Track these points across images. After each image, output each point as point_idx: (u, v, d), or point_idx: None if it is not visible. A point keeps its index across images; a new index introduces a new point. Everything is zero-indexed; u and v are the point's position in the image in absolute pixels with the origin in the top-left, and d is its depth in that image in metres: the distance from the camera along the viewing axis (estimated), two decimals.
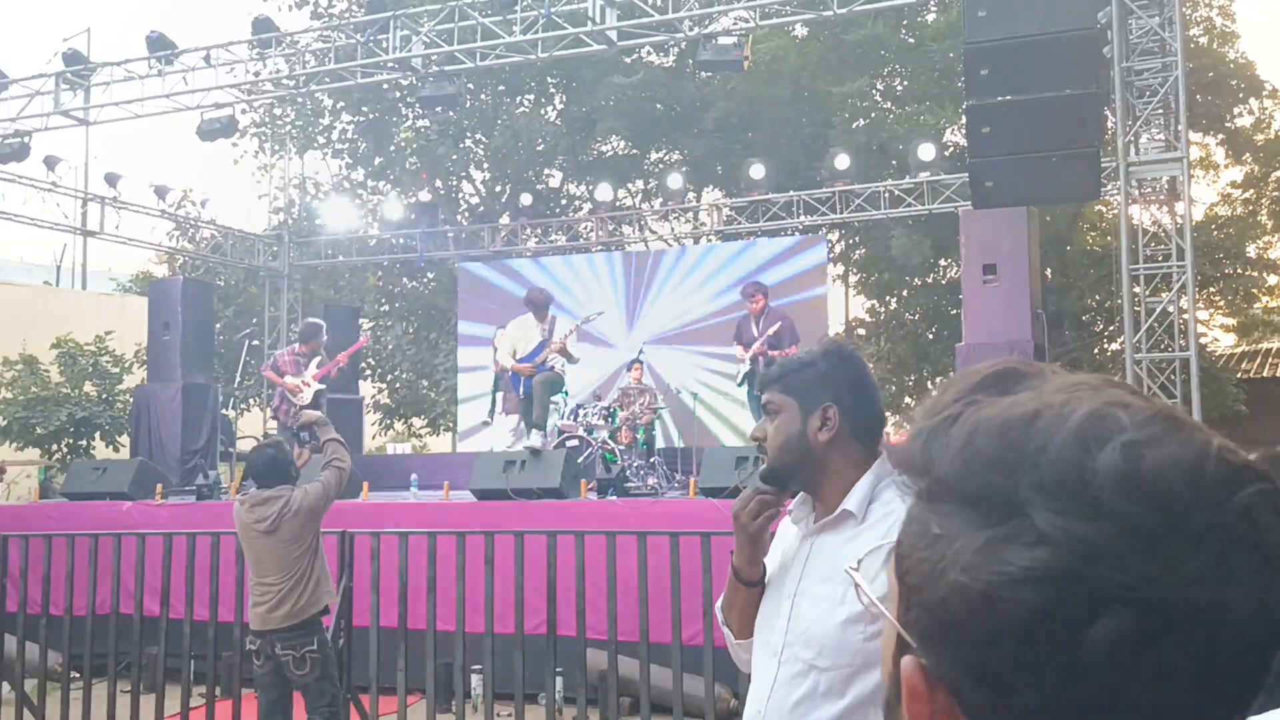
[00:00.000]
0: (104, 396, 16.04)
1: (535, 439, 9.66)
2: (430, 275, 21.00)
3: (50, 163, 14.66)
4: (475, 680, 7.11)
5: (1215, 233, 18.98)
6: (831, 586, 1.98)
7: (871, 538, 1.91)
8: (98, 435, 15.75)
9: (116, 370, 16.51)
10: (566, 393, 11.32)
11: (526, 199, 17.41)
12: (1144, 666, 0.57)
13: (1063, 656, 0.58)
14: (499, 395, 11.17)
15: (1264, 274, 20.23)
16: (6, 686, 7.57)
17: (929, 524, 0.63)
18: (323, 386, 11.01)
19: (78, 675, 7.39)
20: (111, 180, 15.46)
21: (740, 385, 10.86)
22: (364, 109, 19.58)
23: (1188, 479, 0.59)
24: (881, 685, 2.01)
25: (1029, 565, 0.58)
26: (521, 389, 10.30)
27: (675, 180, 16.32)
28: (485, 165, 20.67)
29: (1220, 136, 19.57)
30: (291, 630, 5.41)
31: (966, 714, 0.61)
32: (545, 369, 10.23)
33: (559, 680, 6.79)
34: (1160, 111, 10.90)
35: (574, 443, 10.51)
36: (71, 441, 15.50)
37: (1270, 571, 0.59)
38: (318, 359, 11.07)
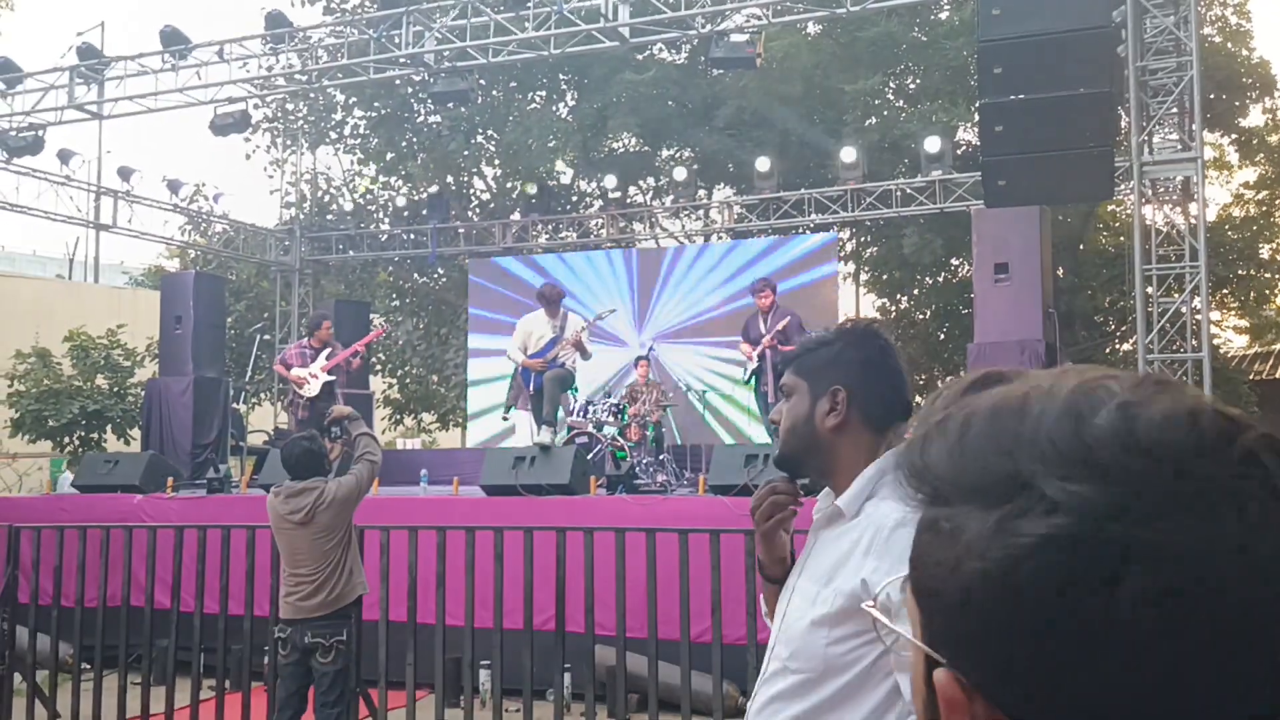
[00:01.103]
0: (116, 390, 16.10)
1: (545, 435, 9.64)
2: (441, 271, 21.03)
3: (64, 156, 14.72)
4: (484, 676, 7.12)
5: (1229, 233, 18.89)
6: (813, 585, 1.85)
7: (851, 540, 1.81)
8: (109, 428, 15.81)
9: (128, 364, 16.57)
10: (576, 389, 11.32)
11: (531, 188, 17.37)
12: (1175, 624, 0.55)
13: (1092, 628, 0.56)
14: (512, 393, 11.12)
15: (1277, 276, 20.14)
16: (18, 677, 7.61)
17: (938, 526, 0.62)
18: (332, 378, 10.99)
19: (88, 667, 7.43)
20: (124, 174, 15.51)
21: (747, 383, 10.81)
22: (376, 104, 19.61)
23: (1186, 430, 0.58)
24: (843, 695, 1.96)
25: (1046, 533, 0.57)
26: (532, 385, 10.26)
27: (680, 173, 16.33)
28: (496, 161, 20.69)
29: (1234, 137, 19.47)
30: (324, 620, 5.49)
31: (1010, 716, 0.59)
32: (556, 365, 10.17)
33: (567, 676, 6.79)
34: (1174, 111, 10.85)
35: (583, 439, 10.51)
36: (83, 434, 15.56)
37: None
38: (327, 351, 11.08)
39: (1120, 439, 0.58)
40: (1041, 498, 0.58)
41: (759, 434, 13.68)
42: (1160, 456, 0.57)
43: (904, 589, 0.67)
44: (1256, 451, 0.58)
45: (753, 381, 10.55)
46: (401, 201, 18.31)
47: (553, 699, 6.40)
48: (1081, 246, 18.77)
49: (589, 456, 9.82)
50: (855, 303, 22.98)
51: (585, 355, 10.41)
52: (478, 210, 20.52)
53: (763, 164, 15.35)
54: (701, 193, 18.41)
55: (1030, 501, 0.58)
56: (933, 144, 14.17)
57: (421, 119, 19.84)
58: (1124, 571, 0.56)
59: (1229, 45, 18.50)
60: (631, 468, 9.75)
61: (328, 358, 11.02)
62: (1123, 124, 11.74)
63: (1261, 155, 19.44)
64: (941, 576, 0.61)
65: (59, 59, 13.57)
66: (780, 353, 9.53)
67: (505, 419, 11.71)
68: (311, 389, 10.90)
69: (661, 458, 10.68)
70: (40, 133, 13.80)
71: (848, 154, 14.86)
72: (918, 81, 19.24)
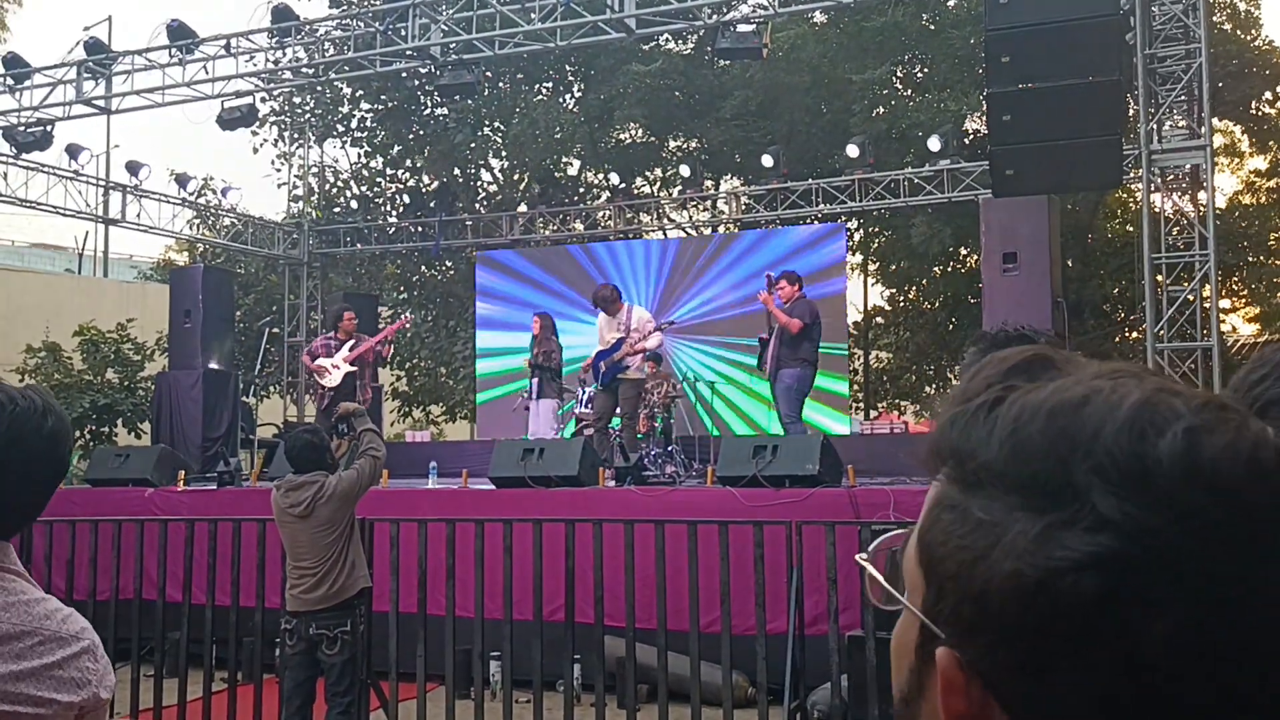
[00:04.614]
0: (126, 384, 16.14)
1: (623, 461, 9.41)
2: (449, 263, 21.05)
3: (73, 151, 14.75)
4: (494, 667, 7.15)
5: (1238, 220, 18.81)
6: None
7: None
8: (120, 422, 15.86)
9: (138, 358, 16.62)
10: (582, 381, 11.34)
11: (536, 187, 17.42)
12: (1206, 659, 0.55)
13: (1122, 649, 0.55)
14: (534, 382, 11.08)
15: None
16: None
17: (969, 511, 0.61)
18: (354, 369, 11.08)
19: None
20: (133, 169, 15.54)
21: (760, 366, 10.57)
22: (383, 97, 19.61)
23: (1248, 467, 0.57)
24: None
25: (1093, 550, 0.56)
26: (600, 381, 10.19)
27: (685, 169, 16.30)
28: (503, 154, 20.68)
29: (1243, 125, 19.38)
30: (327, 612, 5.51)
31: (1003, 704, 0.59)
32: (621, 368, 9.94)
33: (577, 667, 6.81)
34: (1183, 98, 10.80)
35: (591, 431, 10.52)
36: (94, 428, 15.62)
37: None
38: (351, 342, 11.18)
39: (1183, 466, 0.56)
40: (1093, 511, 0.56)
41: (763, 425, 13.71)
42: (1220, 491, 0.56)
43: (904, 550, 0.67)
44: None
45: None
46: (409, 195, 18.32)
47: (562, 690, 6.43)
48: (1090, 235, 18.73)
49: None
50: (864, 293, 22.96)
51: (649, 356, 10.28)
52: (485, 203, 20.52)
53: (770, 156, 15.33)
54: (708, 184, 18.38)
55: (1080, 514, 0.57)
56: (934, 143, 14.11)
57: (428, 111, 19.84)
58: (1166, 605, 0.55)
59: (1238, 32, 18.41)
60: (640, 459, 9.75)
61: (351, 349, 11.11)
62: (1131, 112, 11.69)
63: (1272, 142, 19.34)
64: (965, 561, 0.60)
65: (67, 54, 13.61)
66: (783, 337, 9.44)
67: (528, 408, 11.61)
68: (332, 379, 10.99)
69: (670, 449, 10.69)
70: (49, 128, 13.83)
71: (856, 146, 14.83)
72: (925, 71, 19.18)
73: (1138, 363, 0.66)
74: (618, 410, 10.19)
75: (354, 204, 18.93)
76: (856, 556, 0.75)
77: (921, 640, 0.64)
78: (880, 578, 0.70)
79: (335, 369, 11.02)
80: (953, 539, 0.61)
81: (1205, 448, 0.56)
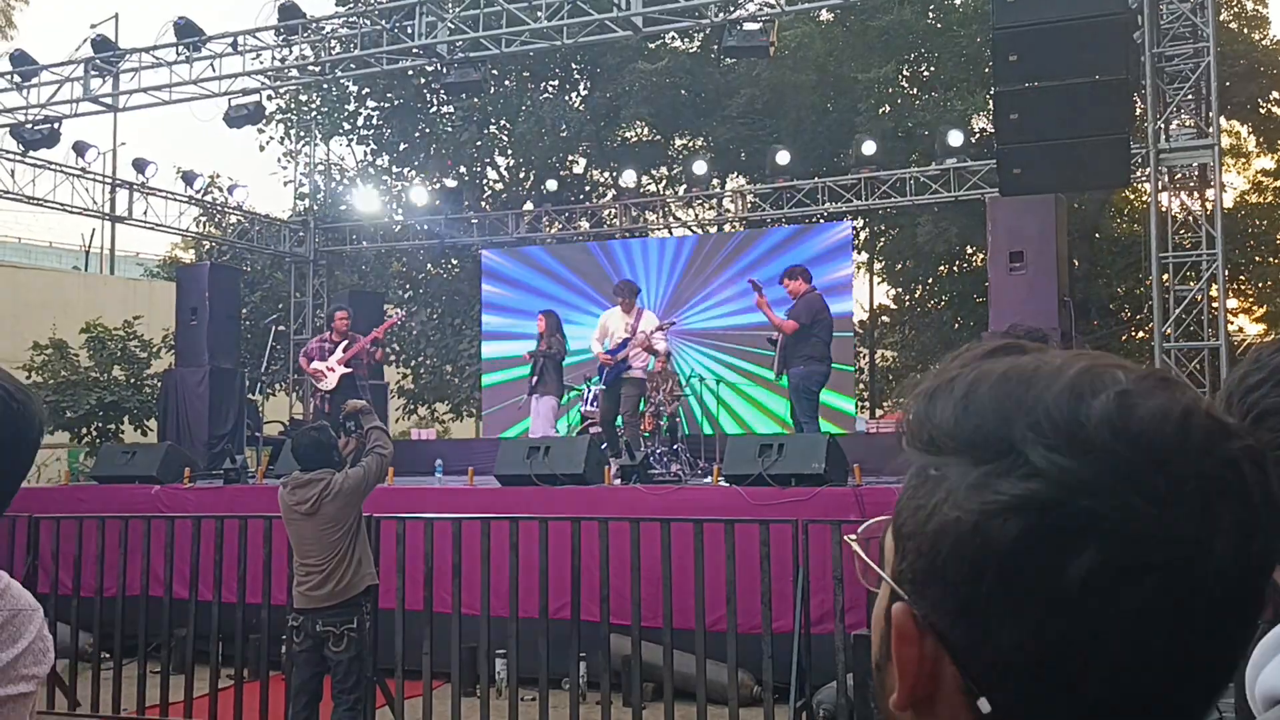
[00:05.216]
0: (132, 381, 16.18)
1: (618, 465, 9.37)
2: (454, 261, 21.06)
3: (79, 149, 14.77)
4: (499, 665, 7.16)
5: (1246, 220, 18.77)
6: None
7: None
8: (126, 419, 15.89)
9: (145, 355, 16.65)
10: (595, 380, 11.34)
11: (551, 184, 17.42)
12: (1123, 602, 0.59)
13: (1044, 588, 0.60)
14: (533, 378, 11.08)
15: None
16: None
17: (926, 470, 0.66)
18: (349, 370, 11.03)
19: (108, 656, 7.49)
20: (140, 166, 15.57)
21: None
22: (389, 95, 19.62)
23: (1176, 428, 0.61)
24: None
25: (1019, 494, 0.60)
26: (603, 380, 10.17)
27: (700, 166, 16.27)
28: (509, 151, 20.69)
29: (1251, 124, 19.33)
30: (334, 609, 5.52)
31: (955, 659, 0.63)
32: (625, 366, 9.92)
33: (582, 665, 6.82)
34: (1191, 98, 10.77)
35: (597, 429, 10.52)
36: (100, 425, 15.65)
37: (1251, 521, 0.61)
38: (344, 343, 11.14)
39: (1111, 424, 0.61)
40: (1025, 462, 0.61)
41: (767, 426, 13.70)
42: (1145, 447, 0.61)
43: (885, 531, 0.71)
44: (1238, 459, 0.62)
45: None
46: (415, 192, 18.33)
47: (568, 688, 6.43)
48: (1097, 234, 18.69)
49: (603, 446, 9.83)
50: (869, 291, 22.94)
51: (656, 354, 10.23)
52: (490, 201, 20.53)
53: (777, 154, 15.31)
54: (714, 182, 18.37)
55: (1014, 464, 0.61)
56: (955, 137, 14.07)
57: (434, 109, 19.84)
58: (1084, 543, 0.59)
59: (1245, 31, 18.36)
60: (646, 457, 9.75)
61: (344, 350, 11.06)
62: (1138, 111, 11.66)
63: None
64: (920, 519, 0.65)
65: (74, 52, 13.61)
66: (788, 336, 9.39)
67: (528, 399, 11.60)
68: (328, 382, 10.95)
69: (676, 447, 10.68)
70: (56, 125, 13.84)
71: (862, 144, 14.81)
72: (932, 69, 19.16)
73: (1111, 354, 0.69)
74: (620, 410, 10.16)
75: (360, 200, 18.93)
76: (846, 537, 0.79)
77: (889, 602, 0.68)
78: (863, 553, 0.74)
79: (330, 371, 10.99)
80: (914, 501, 0.66)
81: (1137, 409, 0.62)
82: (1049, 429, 0.61)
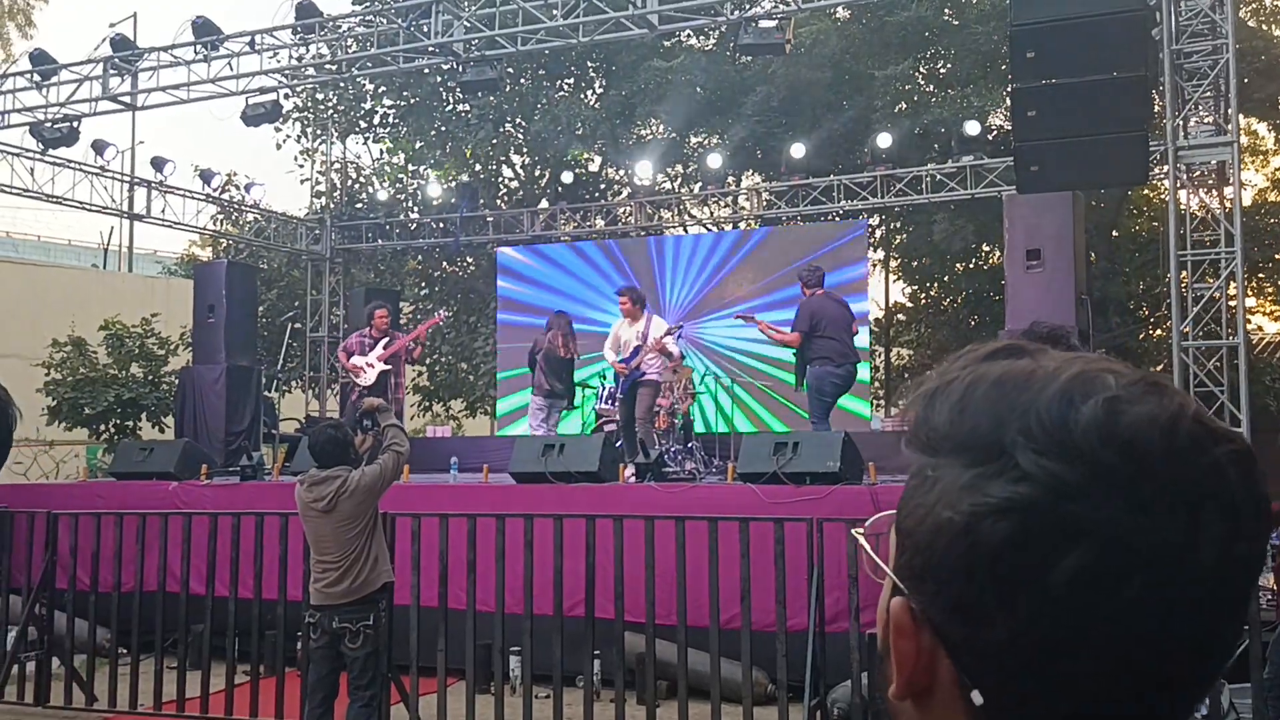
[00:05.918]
0: (150, 378, 16.26)
1: (630, 470, 9.32)
2: (470, 259, 21.09)
3: (98, 147, 14.87)
4: (514, 662, 7.17)
5: (1265, 217, 18.61)
6: None
7: None
8: (144, 416, 15.97)
9: (162, 352, 16.73)
10: (603, 375, 11.35)
11: (567, 177, 17.43)
12: (1110, 602, 0.61)
13: (1033, 587, 0.62)
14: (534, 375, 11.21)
15: None
16: (56, 661, 7.73)
17: (924, 471, 0.68)
18: (388, 367, 11.17)
19: (125, 652, 7.54)
20: (158, 165, 15.65)
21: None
22: (405, 93, 19.66)
23: (1163, 434, 0.63)
24: None
25: (1008, 496, 0.63)
26: (621, 389, 10.15)
27: (714, 160, 16.25)
28: (525, 149, 20.70)
29: (1270, 121, 19.18)
30: (351, 606, 5.55)
31: (950, 653, 0.65)
32: (639, 374, 9.87)
33: (597, 663, 6.82)
34: (1210, 95, 10.70)
35: (612, 427, 10.52)
36: (118, 422, 15.73)
37: (1235, 525, 0.63)
38: (384, 340, 11.26)
39: (1099, 429, 0.63)
40: (1015, 466, 0.63)
41: (781, 424, 13.67)
42: (1131, 453, 0.62)
43: (891, 526, 0.73)
44: (1224, 465, 0.63)
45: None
46: (431, 190, 18.38)
47: (582, 685, 6.44)
48: (1115, 232, 18.58)
49: (617, 444, 9.83)
50: (885, 290, 22.86)
51: (670, 357, 10.20)
52: (506, 199, 20.55)
53: (793, 152, 15.28)
54: (730, 180, 18.34)
55: (1005, 467, 0.64)
56: (972, 127, 14.06)
57: (450, 108, 19.88)
58: (1070, 546, 0.61)
59: (1265, 27, 18.22)
60: (660, 455, 9.75)
61: (385, 347, 11.19)
62: (1157, 108, 11.59)
63: None
64: (918, 518, 0.68)
65: (93, 51, 13.70)
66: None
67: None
68: (367, 378, 11.09)
69: (690, 445, 10.68)
70: (75, 124, 13.93)
71: (880, 140, 14.77)
72: (949, 66, 19.07)
73: (1143, 362, 0.69)
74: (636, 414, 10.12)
75: (380, 197, 18.99)
76: (853, 530, 0.82)
77: (890, 597, 0.70)
78: (868, 547, 0.77)
79: (370, 367, 11.12)
80: (913, 500, 0.69)
81: (1125, 415, 0.63)
82: (1039, 433, 0.63)
